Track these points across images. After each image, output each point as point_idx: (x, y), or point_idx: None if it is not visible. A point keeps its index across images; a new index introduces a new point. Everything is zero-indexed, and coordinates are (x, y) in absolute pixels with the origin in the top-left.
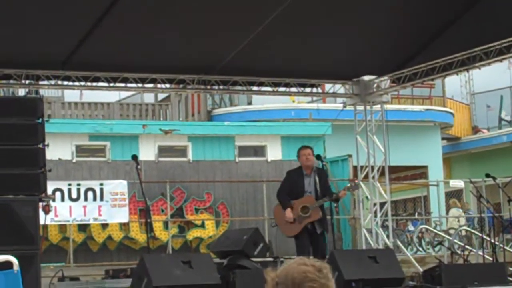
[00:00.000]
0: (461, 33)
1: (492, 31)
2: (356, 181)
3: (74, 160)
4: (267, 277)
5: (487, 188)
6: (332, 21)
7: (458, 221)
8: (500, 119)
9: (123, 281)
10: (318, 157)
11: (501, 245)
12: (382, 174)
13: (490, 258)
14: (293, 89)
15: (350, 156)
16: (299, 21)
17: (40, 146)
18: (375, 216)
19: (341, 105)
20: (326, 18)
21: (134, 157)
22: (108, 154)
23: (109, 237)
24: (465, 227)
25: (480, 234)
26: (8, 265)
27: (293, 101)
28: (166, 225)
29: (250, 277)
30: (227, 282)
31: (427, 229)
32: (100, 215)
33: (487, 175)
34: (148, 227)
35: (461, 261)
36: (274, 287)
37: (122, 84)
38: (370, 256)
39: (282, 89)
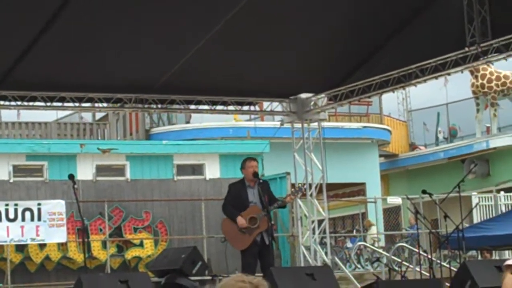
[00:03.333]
0: (397, 51)
1: (428, 49)
2: (300, 185)
3: (11, 180)
4: None
5: (424, 204)
6: (270, 39)
7: (378, 239)
8: (437, 136)
9: None
10: (256, 174)
11: (438, 261)
12: (320, 191)
13: (427, 274)
14: (231, 107)
15: (288, 173)
16: (237, 40)
17: None
18: (314, 233)
19: (279, 123)
20: (264, 36)
21: (71, 177)
22: (46, 174)
23: (47, 257)
24: (402, 243)
25: (417, 250)
26: None
27: (235, 119)
28: (104, 244)
29: None
30: None
31: (365, 246)
32: (38, 235)
33: (424, 192)
34: (86, 247)
35: (398, 277)
36: None
37: (59, 104)
38: (308, 273)
39: (220, 107)
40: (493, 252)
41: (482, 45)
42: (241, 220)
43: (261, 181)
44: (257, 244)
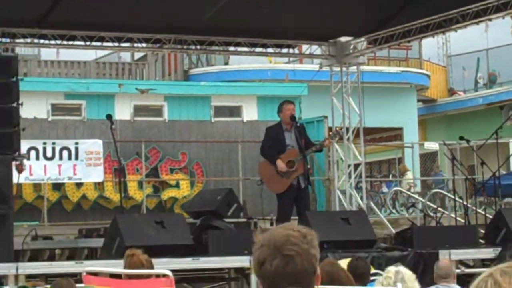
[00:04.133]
0: None
1: None
2: (337, 129)
3: (49, 119)
4: (254, 239)
5: (461, 151)
6: None
7: (414, 185)
8: (476, 82)
9: (96, 240)
10: (293, 118)
11: (474, 208)
12: (357, 135)
13: (463, 221)
14: (270, 50)
15: (325, 117)
16: None
17: (14, 105)
18: (349, 177)
19: (318, 66)
20: None
21: (109, 117)
22: (84, 113)
23: (84, 196)
24: (437, 190)
25: (452, 197)
26: None
27: (270, 61)
28: (140, 184)
29: (223, 238)
30: (199, 243)
31: (400, 191)
32: (75, 174)
33: (461, 138)
34: (122, 187)
35: (433, 223)
36: (259, 249)
37: (99, 43)
38: (343, 218)
39: (258, 49)
40: None
41: None
42: (280, 163)
43: (298, 124)
44: (294, 187)
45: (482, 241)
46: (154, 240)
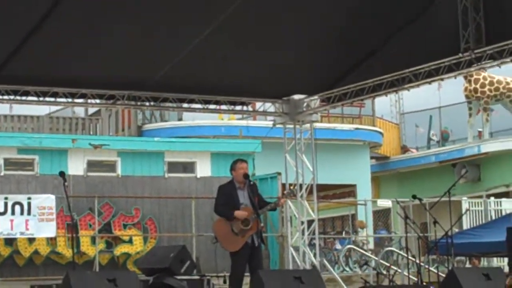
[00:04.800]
0: (391, 55)
1: (422, 54)
2: (291, 188)
3: (2, 174)
4: None
5: (414, 208)
6: (263, 40)
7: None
8: (429, 139)
9: None
10: (246, 176)
11: (426, 266)
12: (310, 192)
13: (415, 279)
14: (224, 107)
15: (279, 174)
16: (230, 40)
17: None
18: (303, 234)
19: (271, 122)
20: (258, 36)
21: (62, 174)
22: (37, 168)
23: (36, 252)
24: (391, 248)
25: (405, 255)
26: None
27: (221, 119)
28: (93, 240)
29: None
30: None
31: (354, 249)
32: (27, 229)
33: (414, 197)
34: (75, 242)
35: (386, 281)
36: None
37: (52, 99)
38: (296, 276)
39: (212, 106)
40: (482, 259)
41: (476, 51)
42: (239, 212)
43: (251, 182)
44: (248, 246)
45: None
46: None
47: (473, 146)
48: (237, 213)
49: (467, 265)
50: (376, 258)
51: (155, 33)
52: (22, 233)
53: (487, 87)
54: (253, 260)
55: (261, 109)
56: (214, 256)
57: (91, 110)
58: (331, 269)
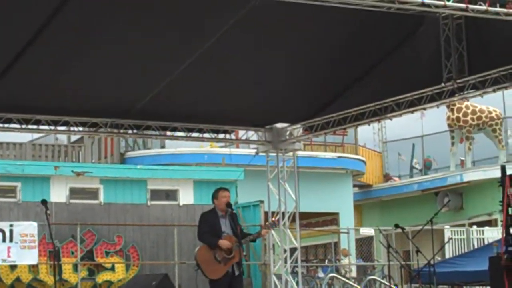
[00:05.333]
0: (373, 84)
1: (404, 83)
2: (274, 220)
3: None
4: None
5: (397, 236)
6: (246, 69)
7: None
8: (412, 168)
9: None
10: (229, 205)
11: None
12: (293, 220)
13: None
14: (206, 135)
15: (262, 202)
16: (213, 68)
17: None
18: (285, 262)
19: (254, 150)
20: (240, 65)
21: (44, 202)
22: (19, 195)
23: (18, 279)
24: (373, 276)
25: (388, 283)
26: None
27: (201, 147)
28: (75, 267)
29: None
30: None
31: (336, 277)
32: (9, 256)
33: (396, 226)
34: (57, 270)
35: None
36: None
37: (34, 126)
38: None
39: (195, 134)
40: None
41: (458, 81)
42: (224, 242)
43: (233, 211)
44: (229, 274)
45: None
46: None
47: (456, 175)
48: (221, 242)
49: None
50: (359, 287)
51: (138, 61)
52: (4, 260)
53: (470, 116)
54: None
55: (244, 137)
56: (195, 284)
57: (74, 138)
58: None
